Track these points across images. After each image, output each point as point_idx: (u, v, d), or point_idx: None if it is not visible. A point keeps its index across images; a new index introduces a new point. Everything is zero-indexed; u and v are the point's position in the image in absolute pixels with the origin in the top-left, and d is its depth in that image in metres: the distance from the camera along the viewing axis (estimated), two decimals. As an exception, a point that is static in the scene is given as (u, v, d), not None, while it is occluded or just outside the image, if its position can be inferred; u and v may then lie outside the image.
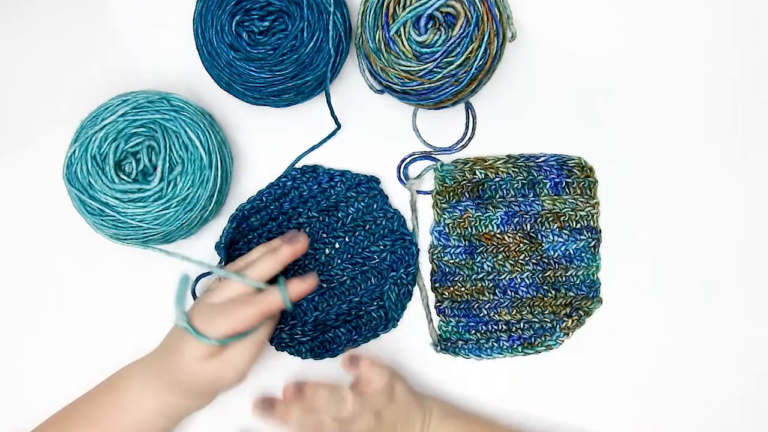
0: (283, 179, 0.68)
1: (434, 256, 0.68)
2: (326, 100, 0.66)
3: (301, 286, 0.62)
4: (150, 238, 0.64)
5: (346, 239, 0.69)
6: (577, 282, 0.67)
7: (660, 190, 0.68)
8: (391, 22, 0.61)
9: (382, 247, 0.68)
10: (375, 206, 0.68)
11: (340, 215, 0.69)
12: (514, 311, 0.68)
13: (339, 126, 0.68)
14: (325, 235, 0.69)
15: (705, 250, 0.68)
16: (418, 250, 0.69)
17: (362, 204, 0.69)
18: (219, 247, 0.67)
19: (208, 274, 0.68)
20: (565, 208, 0.68)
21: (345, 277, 0.68)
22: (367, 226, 0.69)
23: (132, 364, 0.65)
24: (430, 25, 0.61)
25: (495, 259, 0.68)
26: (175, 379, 0.62)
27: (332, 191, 0.68)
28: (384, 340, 0.69)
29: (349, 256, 0.68)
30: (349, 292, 0.69)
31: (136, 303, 0.70)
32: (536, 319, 0.67)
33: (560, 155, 0.68)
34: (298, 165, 0.69)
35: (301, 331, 0.68)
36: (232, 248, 0.68)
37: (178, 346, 0.61)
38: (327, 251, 0.69)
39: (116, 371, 0.65)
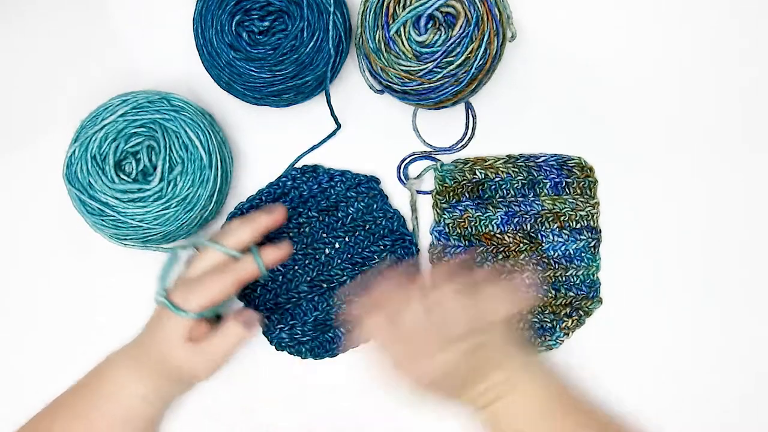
0: (283, 179, 0.69)
1: (434, 256, 0.68)
2: (326, 100, 0.66)
3: (275, 253, 0.62)
4: (150, 238, 0.64)
5: (346, 239, 0.69)
6: (577, 282, 0.67)
7: (660, 190, 0.68)
8: (391, 22, 0.61)
9: (382, 247, 0.68)
10: (375, 206, 0.68)
11: (340, 215, 0.69)
12: (514, 311, 0.68)
13: (339, 126, 0.68)
14: (325, 235, 0.69)
15: (705, 250, 0.68)
16: (418, 250, 0.69)
17: (362, 204, 0.69)
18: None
19: None
20: (565, 208, 0.68)
21: (345, 277, 0.68)
22: (367, 226, 0.69)
23: (116, 352, 0.65)
24: (430, 25, 0.61)
25: (495, 259, 0.68)
26: (155, 361, 0.62)
27: (332, 191, 0.68)
28: (384, 340, 0.69)
29: (349, 256, 0.68)
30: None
31: (136, 303, 0.69)
32: (536, 319, 0.67)
33: (560, 155, 0.68)
34: (298, 165, 0.69)
35: (301, 331, 0.68)
36: None
37: (159, 326, 0.61)
38: (327, 251, 0.69)
39: (102, 360, 0.65)
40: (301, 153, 0.69)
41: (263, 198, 0.68)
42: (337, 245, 0.69)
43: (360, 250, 0.68)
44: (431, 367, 0.58)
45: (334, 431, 0.68)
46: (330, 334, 0.68)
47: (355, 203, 0.69)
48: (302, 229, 0.69)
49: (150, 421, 0.64)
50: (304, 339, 0.68)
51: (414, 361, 0.59)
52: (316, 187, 0.68)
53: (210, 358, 0.61)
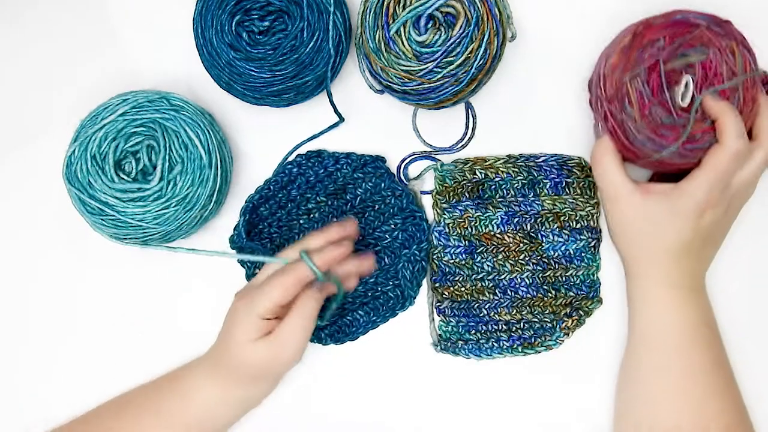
0: (289, 166, 0.68)
1: (434, 256, 0.68)
2: (328, 99, 0.66)
3: (327, 255, 0.60)
4: (150, 237, 0.64)
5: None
6: (577, 282, 0.67)
7: (660, 190, 0.68)
8: (391, 22, 0.61)
9: (393, 226, 0.68)
10: (383, 185, 0.68)
11: (348, 197, 0.68)
12: (514, 311, 0.68)
13: (342, 119, 0.68)
14: (335, 219, 0.68)
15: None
16: (429, 225, 0.68)
17: (370, 184, 0.68)
18: (240, 240, 0.66)
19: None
20: (565, 208, 0.68)
21: None
22: (376, 206, 0.69)
23: (196, 359, 0.65)
24: (430, 25, 0.61)
25: (495, 259, 0.68)
26: (230, 364, 0.61)
27: (339, 174, 0.68)
28: (384, 339, 0.69)
29: (361, 237, 0.68)
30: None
31: (136, 303, 0.70)
32: (536, 319, 0.67)
33: (560, 155, 0.68)
34: (302, 152, 0.69)
35: (320, 317, 0.67)
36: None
37: (229, 332, 0.61)
38: None
39: (180, 366, 0.65)
40: (301, 141, 0.69)
41: (271, 187, 0.68)
42: None
43: (371, 230, 0.68)
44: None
45: (341, 423, 0.68)
46: (349, 318, 0.68)
47: (363, 184, 0.68)
48: (312, 215, 0.68)
49: (224, 425, 0.63)
50: (323, 325, 0.67)
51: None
52: (322, 171, 0.68)
53: (287, 343, 0.59)
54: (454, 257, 0.68)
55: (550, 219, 0.68)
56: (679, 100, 0.59)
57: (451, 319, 0.68)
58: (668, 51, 0.59)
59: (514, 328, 0.68)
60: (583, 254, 0.67)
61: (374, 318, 0.68)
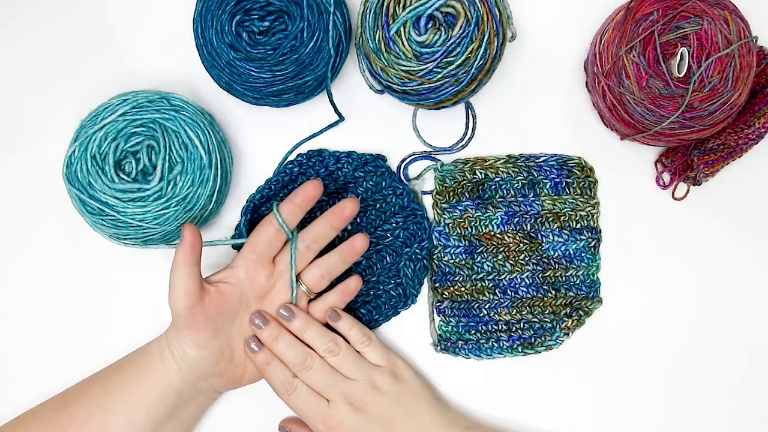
0: (290, 165, 0.68)
1: (434, 256, 0.68)
2: (328, 99, 0.66)
3: (288, 203, 0.63)
4: (150, 237, 0.64)
5: (358, 220, 0.69)
6: (577, 282, 0.67)
7: (659, 189, 0.68)
8: (391, 22, 0.61)
9: (394, 225, 0.68)
10: (383, 184, 0.68)
11: (349, 196, 0.68)
12: (514, 311, 0.68)
13: (342, 118, 0.68)
14: None
15: (706, 249, 0.68)
16: (431, 224, 0.68)
17: (371, 183, 0.68)
18: (240, 238, 0.66)
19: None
20: (565, 208, 0.68)
21: (360, 258, 0.68)
22: (378, 205, 0.69)
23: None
24: (430, 25, 0.61)
25: (495, 259, 0.68)
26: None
27: (339, 173, 0.68)
28: (384, 339, 0.69)
29: None
30: (366, 273, 0.68)
31: (136, 303, 0.70)
32: (536, 319, 0.67)
33: (560, 155, 0.68)
34: (303, 151, 0.69)
35: None
36: None
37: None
38: (340, 234, 0.68)
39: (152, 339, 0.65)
40: (301, 140, 0.69)
41: (272, 186, 0.68)
42: (349, 227, 0.68)
43: (373, 229, 0.68)
44: None
45: None
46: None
47: (364, 183, 0.68)
48: (313, 214, 0.68)
49: (184, 402, 0.63)
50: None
51: None
52: (323, 170, 0.68)
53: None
54: (454, 257, 0.68)
55: (550, 219, 0.68)
56: (675, 71, 0.60)
57: (451, 319, 0.68)
58: (662, 23, 0.60)
59: (514, 328, 0.68)
60: (583, 254, 0.67)
61: (376, 316, 0.68)
